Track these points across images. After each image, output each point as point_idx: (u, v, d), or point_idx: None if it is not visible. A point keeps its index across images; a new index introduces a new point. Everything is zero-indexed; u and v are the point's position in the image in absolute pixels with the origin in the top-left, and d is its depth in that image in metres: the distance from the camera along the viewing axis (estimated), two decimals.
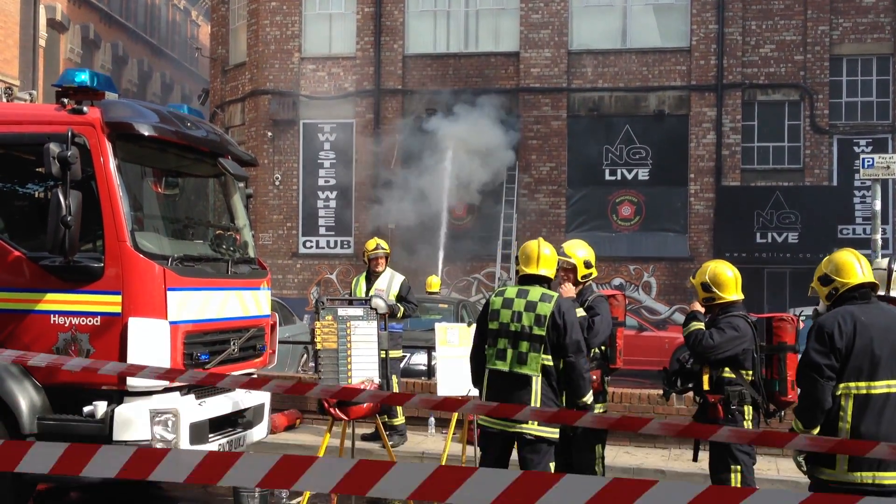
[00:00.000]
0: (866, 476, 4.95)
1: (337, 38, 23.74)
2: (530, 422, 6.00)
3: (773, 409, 6.50)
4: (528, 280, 6.30)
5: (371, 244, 10.88)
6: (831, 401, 5.03)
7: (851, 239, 21.06)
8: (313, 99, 23.47)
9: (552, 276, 6.37)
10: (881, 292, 6.59)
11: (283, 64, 23.57)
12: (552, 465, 6.20)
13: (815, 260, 22.23)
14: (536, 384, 6.07)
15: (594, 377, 6.73)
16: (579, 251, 6.90)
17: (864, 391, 5.02)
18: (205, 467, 2.98)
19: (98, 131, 6.57)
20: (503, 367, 6.10)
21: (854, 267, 5.32)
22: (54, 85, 7.00)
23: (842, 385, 5.04)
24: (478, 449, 6.31)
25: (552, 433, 6.07)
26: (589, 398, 6.18)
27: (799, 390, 5.36)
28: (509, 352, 6.09)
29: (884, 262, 6.95)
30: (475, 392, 6.61)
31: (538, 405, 6.06)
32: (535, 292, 6.19)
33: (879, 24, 21.55)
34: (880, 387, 5.03)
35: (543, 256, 6.31)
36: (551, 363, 6.11)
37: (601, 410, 6.88)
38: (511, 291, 6.24)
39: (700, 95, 21.90)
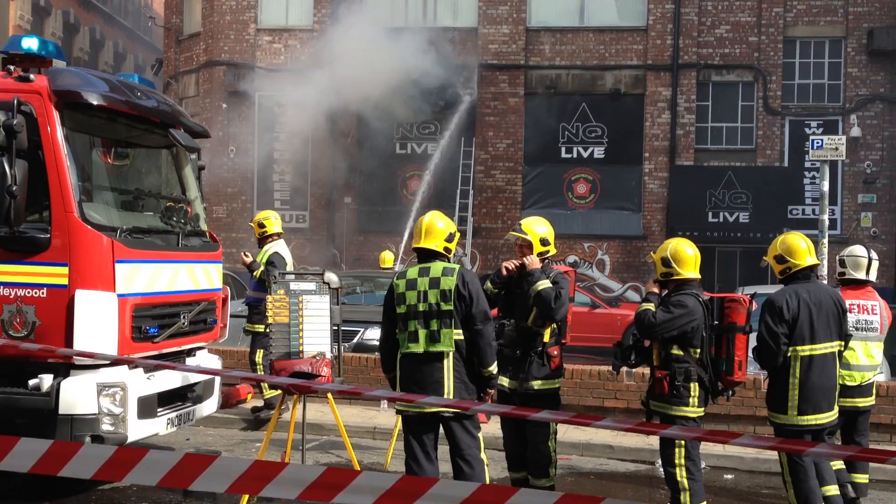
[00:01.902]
0: (810, 418, 6.45)
1: (294, 9, 23.47)
2: (445, 397, 6.02)
3: (721, 387, 6.59)
4: (424, 256, 6.27)
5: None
6: (782, 360, 6.43)
7: (800, 219, 21.42)
8: (269, 71, 23.21)
9: (441, 249, 6.25)
10: (860, 276, 7.03)
11: (239, 35, 23.27)
12: (481, 437, 6.24)
13: (766, 240, 22.62)
14: (449, 360, 6.07)
15: (555, 353, 6.77)
16: (538, 228, 6.84)
17: (808, 353, 6.42)
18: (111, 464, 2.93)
19: (45, 99, 6.46)
20: (417, 348, 6.08)
21: (805, 251, 6.63)
22: (0, 52, 6.85)
23: (790, 348, 6.42)
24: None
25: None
26: (494, 368, 6.20)
27: (758, 352, 6.50)
28: (421, 332, 6.07)
29: (860, 250, 7.29)
30: None
31: (451, 381, 6.06)
32: (437, 267, 6.16)
33: (832, 7, 21.81)
34: (820, 348, 6.45)
35: (431, 229, 6.24)
36: (462, 337, 6.12)
37: (557, 386, 6.94)
38: (412, 272, 6.20)
39: (656, 75, 22.03)
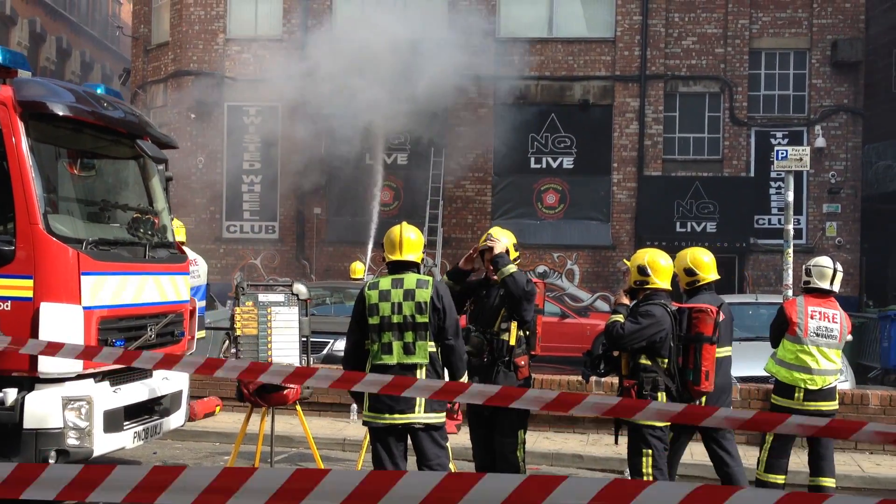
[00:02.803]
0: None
1: (263, 19, 23.41)
2: (417, 411, 6.02)
3: (689, 397, 6.64)
4: (397, 267, 6.27)
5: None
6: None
7: (766, 229, 21.67)
8: (238, 81, 23.12)
9: (419, 260, 6.31)
10: (825, 286, 7.22)
11: (207, 45, 23.17)
12: (449, 447, 6.27)
13: (733, 249, 22.79)
14: (422, 372, 6.09)
15: (522, 363, 6.81)
16: (502, 239, 6.92)
17: (719, 355, 6.94)
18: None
19: (9, 110, 6.40)
20: (390, 360, 6.07)
21: (710, 266, 7.38)
22: None
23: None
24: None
25: (439, 418, 6.13)
26: (465, 380, 6.25)
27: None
28: (395, 344, 6.06)
29: (826, 261, 7.47)
30: None
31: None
32: (410, 279, 6.17)
33: (797, 20, 22.11)
34: (723, 352, 7.18)
35: (407, 241, 6.27)
36: (435, 349, 6.14)
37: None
38: (385, 282, 6.19)
39: (624, 86, 22.21)
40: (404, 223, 6.47)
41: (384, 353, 6.08)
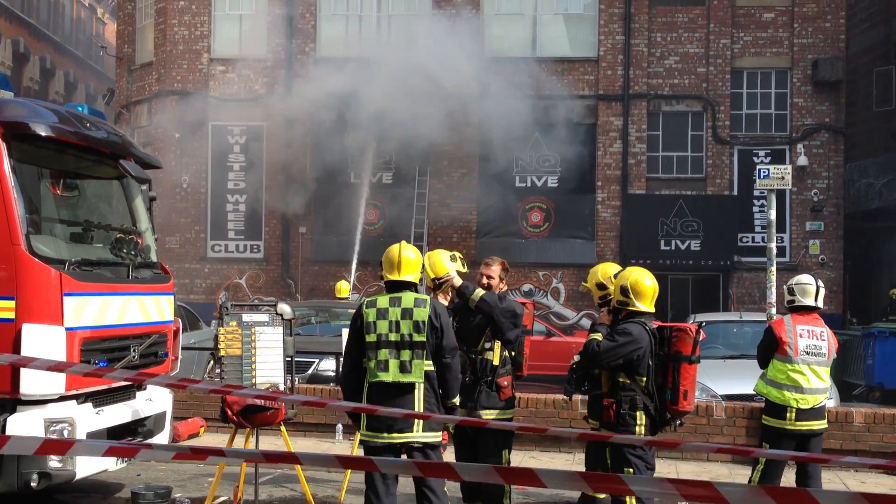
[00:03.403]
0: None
1: (247, 39, 23.44)
2: (415, 430, 6.01)
3: (669, 416, 6.62)
4: (395, 287, 6.28)
5: None
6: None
7: (750, 247, 21.77)
8: (222, 101, 23.12)
9: (417, 280, 6.35)
10: (809, 302, 7.23)
11: (192, 64, 23.16)
12: None
13: (717, 267, 22.84)
14: (419, 391, 6.08)
15: (505, 383, 6.80)
16: (452, 271, 7.07)
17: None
18: None
19: None
20: (386, 377, 6.07)
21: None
22: None
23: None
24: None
25: (436, 437, 6.14)
26: (457, 399, 6.30)
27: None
28: (392, 362, 6.06)
29: (807, 279, 7.52)
30: None
31: (422, 412, 6.08)
32: (408, 298, 6.18)
33: (778, 39, 22.32)
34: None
35: (406, 261, 6.29)
36: (432, 368, 6.14)
37: (509, 417, 6.96)
38: (383, 301, 6.20)
39: (607, 105, 22.33)
40: (403, 242, 6.50)
41: (380, 370, 6.08)
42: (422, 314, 6.10)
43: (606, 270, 7.39)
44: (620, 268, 7.42)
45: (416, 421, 6.02)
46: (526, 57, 22.42)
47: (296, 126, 22.70)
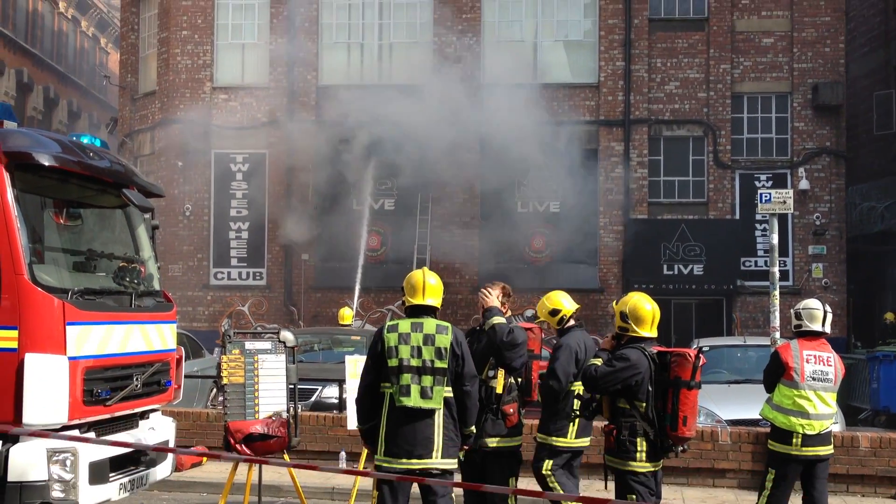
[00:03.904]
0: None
1: (249, 68, 23.58)
2: (435, 456, 6.01)
3: (670, 443, 6.55)
4: (416, 311, 6.30)
5: None
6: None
7: (753, 271, 21.73)
8: (225, 129, 23.22)
9: (439, 306, 6.38)
10: (816, 328, 7.20)
11: (195, 93, 23.28)
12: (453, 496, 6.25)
13: (720, 291, 22.75)
14: (439, 417, 6.09)
15: (510, 410, 6.79)
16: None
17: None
18: None
19: None
20: (409, 402, 6.08)
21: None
22: None
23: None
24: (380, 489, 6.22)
25: (453, 464, 6.17)
26: (474, 428, 6.34)
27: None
28: (413, 387, 6.08)
29: (815, 303, 7.49)
30: None
31: (440, 438, 6.09)
32: (430, 324, 6.21)
33: (778, 64, 22.41)
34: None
35: (429, 286, 6.34)
36: (451, 395, 6.15)
37: (516, 444, 6.95)
38: (405, 325, 6.22)
39: (608, 130, 22.39)
40: (425, 268, 6.58)
41: (402, 394, 6.10)
42: (444, 341, 6.13)
43: (553, 298, 7.53)
44: (566, 295, 7.52)
45: (435, 447, 6.04)
46: (527, 83, 22.52)
47: (298, 154, 22.80)
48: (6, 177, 6.40)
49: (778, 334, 12.11)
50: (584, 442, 7.26)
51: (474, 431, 6.33)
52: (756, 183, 21.88)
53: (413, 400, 6.06)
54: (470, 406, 6.22)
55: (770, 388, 7.74)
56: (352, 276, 21.71)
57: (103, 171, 7.31)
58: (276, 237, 22.78)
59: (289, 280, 22.83)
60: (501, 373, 6.74)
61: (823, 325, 7.70)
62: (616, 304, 6.89)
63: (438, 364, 6.09)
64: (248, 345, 7.99)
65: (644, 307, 6.63)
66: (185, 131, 22.98)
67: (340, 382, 11.25)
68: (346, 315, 16.70)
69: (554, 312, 7.43)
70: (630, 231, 22.00)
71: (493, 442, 6.72)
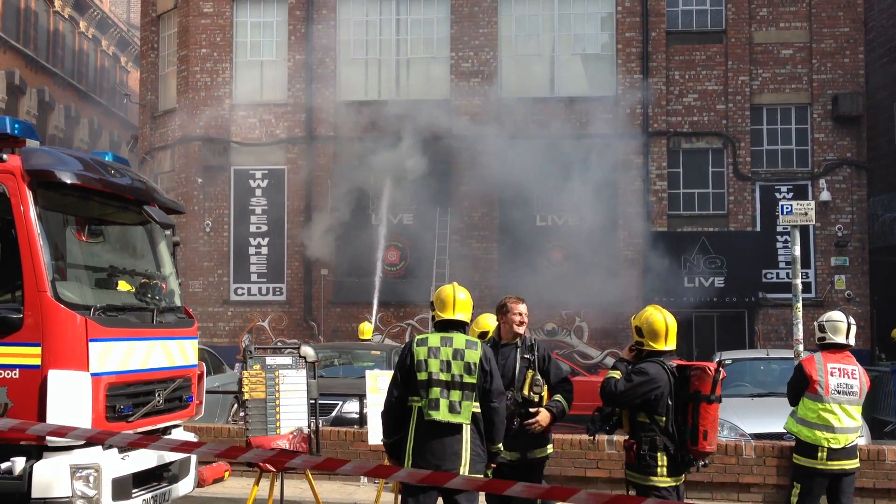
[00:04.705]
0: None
1: (268, 84, 23.73)
2: (462, 470, 5.99)
3: (691, 457, 6.49)
4: (446, 326, 6.29)
5: None
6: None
7: (775, 283, 21.60)
8: (244, 145, 23.36)
9: (468, 321, 6.39)
10: (840, 340, 7.12)
11: (214, 110, 23.44)
12: None
13: (742, 304, 22.59)
14: (467, 432, 6.08)
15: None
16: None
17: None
18: None
19: (18, 179, 6.44)
20: (437, 416, 6.07)
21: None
22: None
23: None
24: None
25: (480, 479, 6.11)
26: (501, 445, 6.29)
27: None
28: (442, 401, 6.07)
29: (839, 315, 7.42)
30: None
31: (468, 454, 6.07)
32: (460, 339, 6.21)
33: (797, 75, 22.33)
34: None
35: (459, 301, 6.35)
36: (479, 410, 6.14)
37: (550, 452, 6.96)
38: (434, 340, 6.22)
39: (626, 143, 22.34)
40: (455, 283, 6.56)
41: (431, 408, 6.09)
42: (473, 356, 6.13)
43: (482, 321, 7.48)
44: (493, 317, 7.28)
45: (462, 462, 6.03)
46: (544, 97, 22.53)
47: (316, 169, 22.92)
48: (29, 195, 6.45)
49: (801, 347, 12.00)
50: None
51: (501, 449, 6.30)
52: (776, 194, 21.77)
53: (442, 414, 6.06)
54: (497, 423, 6.20)
55: (794, 402, 7.67)
56: (371, 291, 21.77)
57: (124, 189, 7.35)
58: (295, 253, 22.85)
59: (308, 295, 22.88)
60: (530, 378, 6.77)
61: (847, 337, 7.63)
62: (634, 318, 6.84)
63: (467, 379, 6.08)
64: (269, 360, 8.00)
65: (658, 320, 6.57)
66: (204, 148, 23.14)
67: (361, 397, 11.23)
68: (366, 330, 16.70)
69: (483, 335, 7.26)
70: (650, 244, 21.90)
71: (539, 452, 6.79)
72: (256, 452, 5.73)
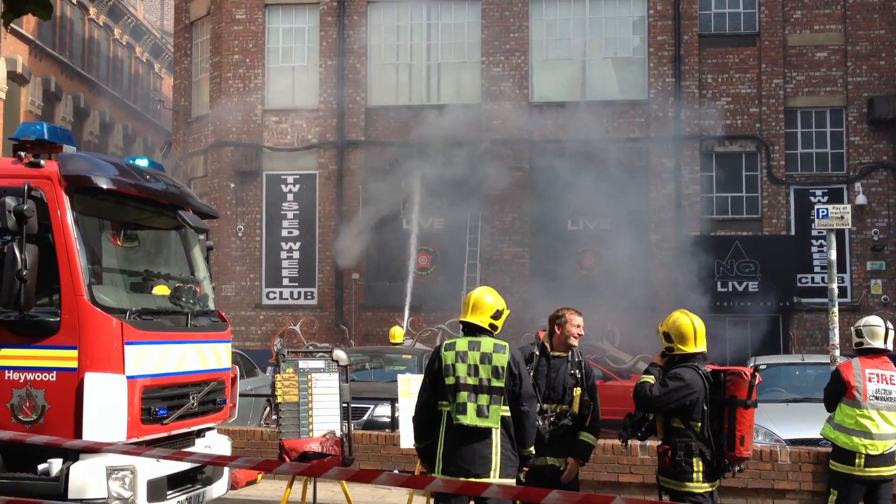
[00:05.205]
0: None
1: (300, 90, 23.86)
2: (493, 475, 5.97)
3: (726, 463, 6.44)
4: (472, 329, 6.27)
5: None
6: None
7: (810, 287, 21.37)
8: (276, 150, 23.51)
9: (486, 325, 6.28)
10: (878, 345, 7.04)
11: (246, 116, 23.61)
12: None
13: (777, 308, 22.30)
14: (496, 437, 6.05)
15: None
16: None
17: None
18: None
19: (55, 184, 6.53)
20: (465, 420, 6.05)
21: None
22: (11, 138, 6.96)
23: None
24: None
25: (511, 483, 6.10)
26: (533, 449, 6.25)
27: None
28: (469, 406, 6.05)
29: (876, 320, 7.35)
30: None
31: (498, 458, 6.04)
32: (487, 343, 6.17)
33: (832, 78, 22.09)
34: None
35: (476, 304, 6.28)
36: (509, 414, 6.10)
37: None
38: (462, 344, 6.19)
39: (659, 147, 22.21)
40: (485, 287, 6.52)
41: (459, 413, 6.07)
42: (501, 360, 6.09)
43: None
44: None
45: (493, 466, 6.00)
46: (575, 101, 22.47)
47: (347, 174, 23.02)
48: (66, 200, 6.54)
49: (838, 352, 11.86)
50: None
51: (533, 452, 6.26)
52: (811, 198, 21.55)
53: (469, 418, 6.04)
54: (528, 426, 6.15)
55: (831, 408, 7.58)
56: (402, 295, 21.79)
57: (159, 194, 7.42)
58: (326, 257, 22.94)
59: (340, 299, 22.96)
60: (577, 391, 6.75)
61: (885, 342, 7.54)
62: (660, 325, 6.79)
63: (495, 383, 6.05)
64: (302, 364, 8.03)
65: (685, 323, 6.55)
66: (237, 153, 23.32)
67: (392, 401, 11.25)
68: (397, 334, 16.72)
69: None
70: (682, 248, 21.73)
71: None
72: (292, 464, 5.76)
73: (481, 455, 6.00)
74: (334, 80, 23.32)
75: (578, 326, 6.83)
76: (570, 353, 6.83)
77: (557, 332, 6.86)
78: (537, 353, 6.85)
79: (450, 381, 6.10)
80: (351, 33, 23.32)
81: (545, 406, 6.69)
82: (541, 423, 6.58)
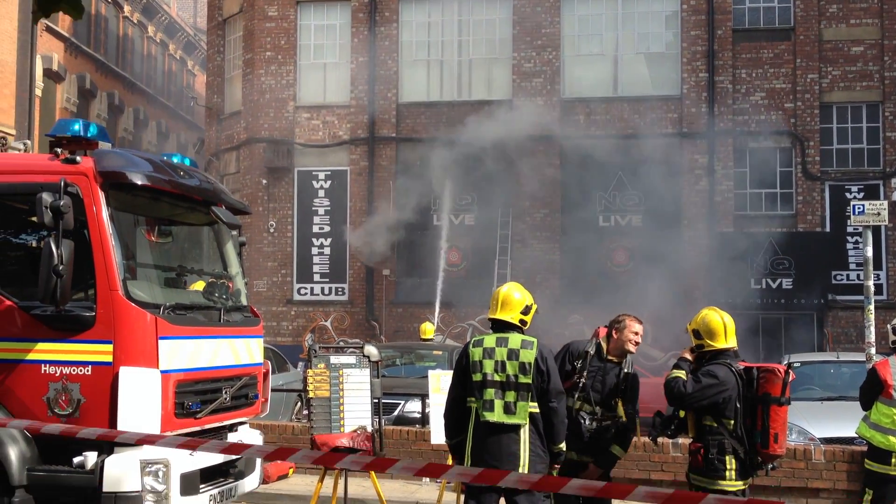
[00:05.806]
0: None
1: (331, 86, 23.94)
2: (520, 470, 5.95)
3: (760, 460, 6.39)
4: (502, 326, 6.24)
5: None
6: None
7: (845, 284, 21.11)
8: (308, 147, 23.61)
9: (515, 321, 6.25)
10: None
11: (278, 112, 23.74)
12: None
13: (811, 306, 22.08)
14: (525, 433, 6.03)
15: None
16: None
17: None
18: None
19: (91, 181, 6.59)
20: (492, 417, 6.04)
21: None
22: (47, 135, 7.05)
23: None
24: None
25: None
26: (563, 445, 6.21)
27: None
28: (497, 402, 6.04)
29: None
30: None
31: (527, 454, 6.02)
32: (515, 339, 6.15)
33: (868, 73, 21.80)
34: None
35: (505, 301, 6.26)
36: (538, 410, 6.07)
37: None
38: (490, 340, 6.18)
39: (692, 142, 22.04)
40: (513, 283, 6.50)
41: (486, 409, 6.07)
42: (528, 356, 6.07)
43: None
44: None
45: (521, 463, 5.98)
46: (607, 97, 22.35)
47: (378, 170, 23.06)
48: (101, 196, 6.60)
49: (873, 350, 11.72)
50: None
51: (563, 449, 6.22)
52: (847, 194, 21.28)
53: (496, 415, 6.02)
54: (556, 423, 6.12)
55: (867, 406, 7.50)
56: (432, 291, 21.80)
57: (193, 190, 7.47)
58: (357, 253, 23.01)
59: (370, 295, 23.03)
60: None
61: None
62: (689, 324, 6.73)
63: (522, 379, 6.03)
64: (333, 359, 8.06)
65: (714, 319, 6.50)
66: (268, 150, 23.45)
67: (423, 397, 11.26)
68: (428, 330, 16.74)
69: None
70: (715, 244, 21.56)
71: (616, 450, 6.80)
72: (305, 453, 5.78)
73: (509, 451, 5.99)
74: (366, 76, 23.37)
75: (637, 334, 6.76)
76: (623, 360, 6.76)
77: (615, 336, 6.79)
78: (592, 351, 6.79)
79: (477, 377, 6.09)
80: (382, 29, 23.36)
81: (588, 407, 6.64)
82: (586, 422, 6.54)
